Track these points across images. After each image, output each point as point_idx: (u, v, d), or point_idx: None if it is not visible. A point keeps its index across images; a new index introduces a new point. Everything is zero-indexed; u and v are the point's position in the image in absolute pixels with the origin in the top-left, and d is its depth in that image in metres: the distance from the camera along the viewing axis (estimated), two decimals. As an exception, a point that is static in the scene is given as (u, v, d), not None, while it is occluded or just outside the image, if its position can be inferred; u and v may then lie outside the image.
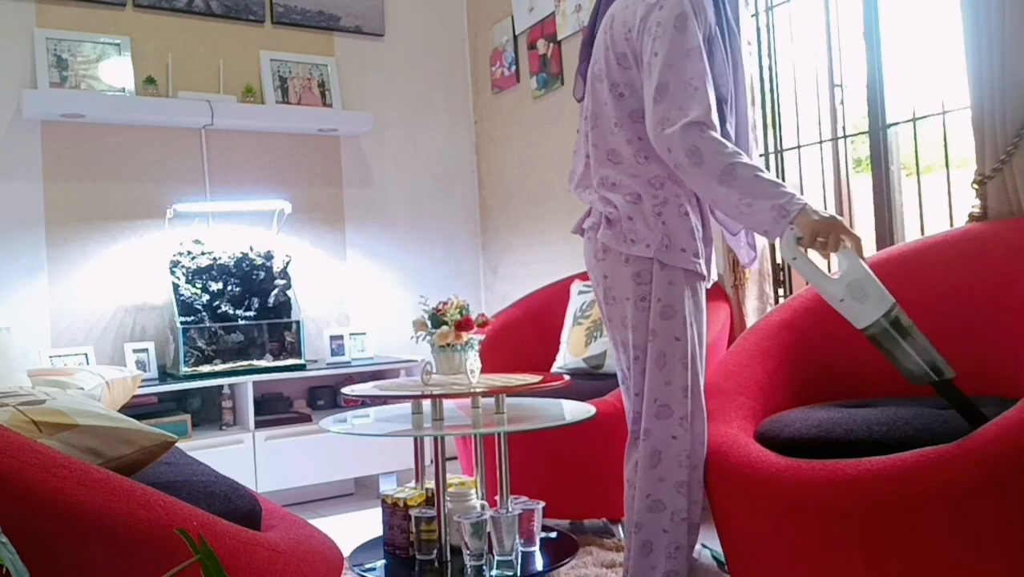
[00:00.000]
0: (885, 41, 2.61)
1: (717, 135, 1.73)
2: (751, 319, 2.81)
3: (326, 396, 3.75)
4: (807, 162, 2.99)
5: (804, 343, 2.11)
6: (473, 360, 2.30)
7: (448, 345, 2.28)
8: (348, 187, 4.10)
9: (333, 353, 3.69)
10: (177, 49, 3.73)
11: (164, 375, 3.41)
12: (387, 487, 3.09)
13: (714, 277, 2.03)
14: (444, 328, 2.27)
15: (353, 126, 3.97)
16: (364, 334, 3.76)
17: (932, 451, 1.47)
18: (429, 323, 2.31)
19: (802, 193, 2.99)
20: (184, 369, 3.28)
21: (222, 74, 3.81)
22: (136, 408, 2.98)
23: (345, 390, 2.34)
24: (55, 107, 3.36)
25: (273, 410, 3.53)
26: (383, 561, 2.19)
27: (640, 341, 1.88)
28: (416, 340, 2.33)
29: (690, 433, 1.86)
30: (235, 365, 3.35)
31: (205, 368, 3.30)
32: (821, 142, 2.91)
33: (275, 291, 3.50)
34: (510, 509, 2.13)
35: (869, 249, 2.73)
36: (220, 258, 3.49)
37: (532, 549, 2.15)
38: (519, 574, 2.03)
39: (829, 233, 1.66)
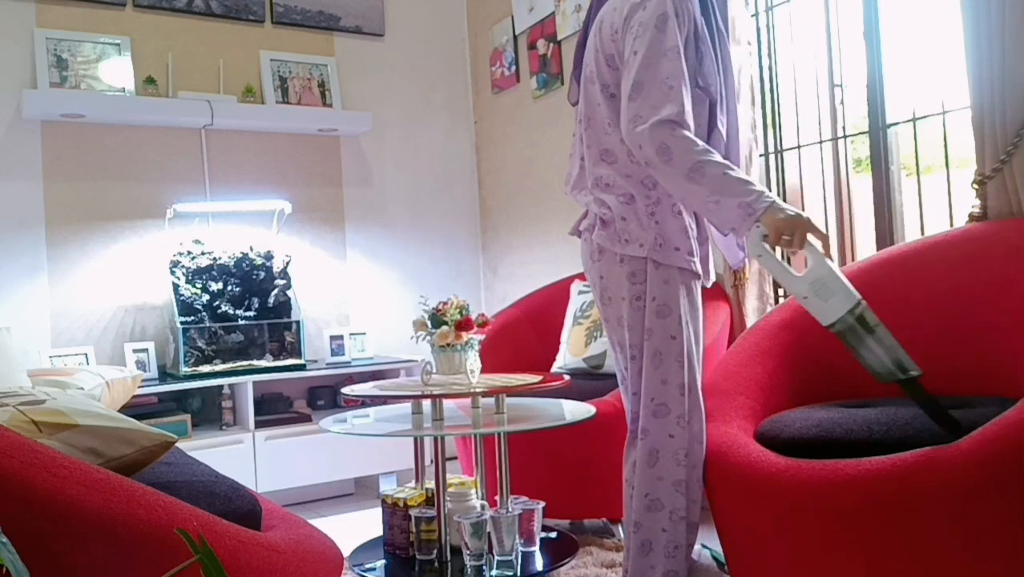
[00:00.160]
0: (885, 41, 2.61)
1: (689, 134, 1.74)
2: (751, 319, 2.81)
3: (326, 396, 3.75)
4: (807, 162, 2.99)
5: (804, 343, 2.11)
6: (473, 360, 2.30)
7: (448, 345, 2.28)
8: (348, 187, 4.10)
9: (333, 353, 3.69)
10: (177, 49, 3.73)
11: (164, 375, 3.41)
12: (387, 487, 3.09)
13: (712, 277, 2.04)
14: (444, 328, 2.27)
15: (353, 126, 3.97)
16: (364, 334, 3.76)
17: (932, 451, 1.47)
18: (429, 323, 2.31)
19: (802, 193, 3.00)
20: (184, 369, 3.28)
21: (222, 74, 3.81)
22: (136, 408, 2.98)
23: (345, 390, 2.34)
24: (55, 107, 3.36)
25: (273, 410, 3.53)
26: (383, 561, 2.19)
27: (636, 340, 1.89)
28: (416, 340, 2.33)
29: (688, 432, 1.86)
30: (235, 365, 3.35)
31: (205, 368, 3.30)
32: (821, 142, 2.91)
33: (275, 291, 3.50)
34: (510, 509, 2.13)
35: (869, 249, 2.74)
36: (220, 258, 3.49)
37: (532, 549, 2.15)
38: (519, 574, 2.03)
39: (794, 231, 1.68)
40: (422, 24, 4.35)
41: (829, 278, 1.64)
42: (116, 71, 3.56)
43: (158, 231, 3.61)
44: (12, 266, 3.37)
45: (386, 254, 4.19)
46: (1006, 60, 2.02)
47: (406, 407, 2.37)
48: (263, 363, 3.41)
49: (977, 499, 1.41)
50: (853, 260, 2.86)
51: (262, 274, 3.52)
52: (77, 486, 1.21)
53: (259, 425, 3.33)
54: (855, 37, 2.73)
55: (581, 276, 3.20)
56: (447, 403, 2.35)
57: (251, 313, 3.44)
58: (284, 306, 3.51)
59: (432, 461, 2.22)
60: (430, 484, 2.27)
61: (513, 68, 4.10)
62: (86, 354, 3.29)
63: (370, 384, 2.56)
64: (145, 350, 3.39)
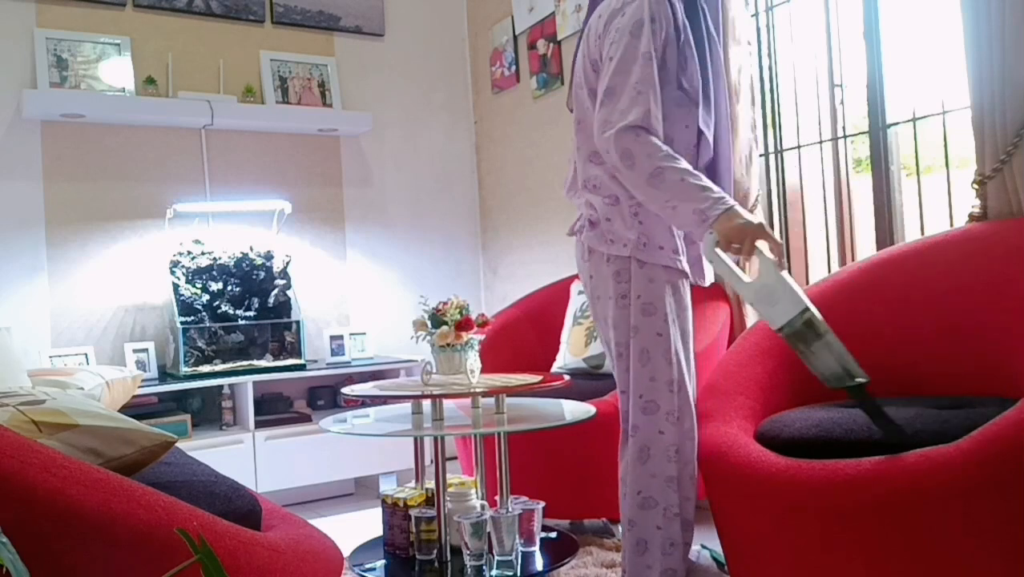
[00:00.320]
0: (885, 41, 2.61)
1: (654, 139, 1.77)
2: (751, 319, 2.81)
3: (326, 396, 3.75)
4: (807, 162, 2.99)
5: (804, 343, 2.11)
6: (473, 360, 2.30)
7: (448, 345, 2.28)
8: (348, 187, 4.10)
9: (333, 353, 3.69)
10: (177, 49, 3.73)
11: (164, 375, 3.41)
12: (387, 487, 3.09)
13: (710, 277, 2.05)
14: (444, 328, 2.27)
15: (353, 126, 3.97)
16: (364, 334, 3.76)
17: (932, 451, 1.47)
18: (429, 323, 2.31)
19: (802, 193, 3.00)
20: (184, 369, 3.28)
21: (222, 74, 3.81)
22: (136, 408, 2.98)
23: (345, 390, 2.34)
24: (55, 107, 3.36)
25: (273, 410, 3.53)
26: (383, 561, 2.19)
27: (622, 338, 1.92)
28: (416, 340, 2.33)
29: (678, 428, 1.89)
30: (235, 365, 3.36)
31: (205, 368, 3.30)
32: (821, 142, 2.91)
33: (275, 291, 3.50)
34: (510, 509, 2.13)
35: (869, 249, 2.74)
36: (220, 258, 3.49)
37: (532, 549, 2.15)
38: (519, 574, 2.03)
39: (743, 239, 1.70)
40: (422, 24, 4.35)
41: (775, 285, 1.67)
42: (116, 71, 3.56)
43: (158, 231, 3.61)
44: (12, 266, 3.37)
45: (386, 254, 4.19)
46: (1006, 60, 2.02)
47: (406, 407, 2.37)
48: (263, 363, 3.41)
49: (977, 499, 1.41)
50: (853, 260, 2.86)
51: (262, 274, 3.52)
52: (77, 486, 1.21)
53: (259, 425, 3.33)
54: (855, 37, 2.73)
55: (579, 275, 3.20)
56: (447, 403, 2.35)
57: (251, 313, 3.44)
58: (284, 306, 3.51)
59: (432, 461, 2.22)
60: (430, 484, 2.27)
61: (513, 68, 4.10)
62: (86, 354, 3.29)
63: (370, 384, 2.56)
64: (145, 350, 3.39)
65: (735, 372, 2.08)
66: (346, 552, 2.06)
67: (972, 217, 2.15)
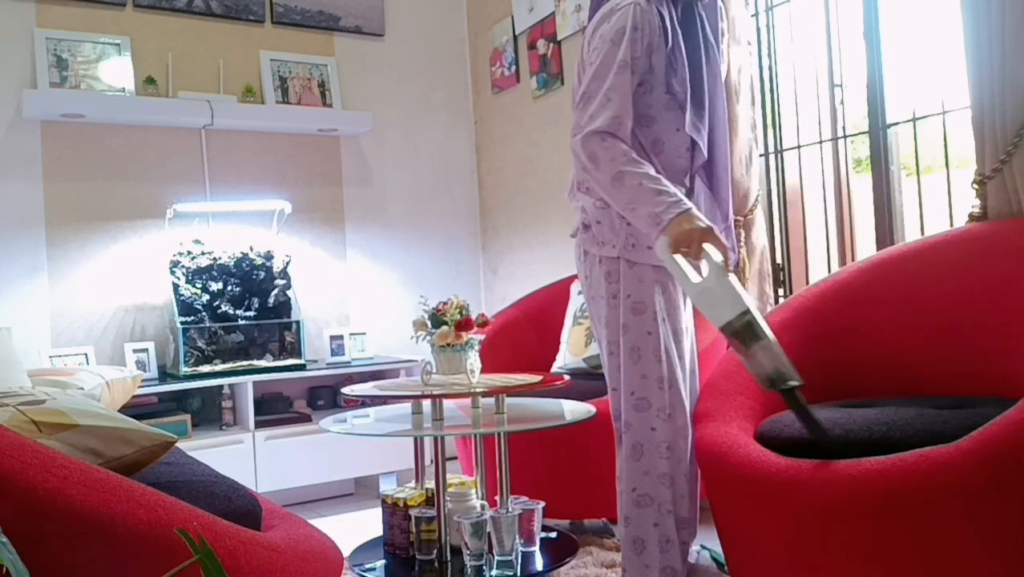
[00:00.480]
0: (885, 41, 2.61)
1: (619, 144, 1.84)
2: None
3: (326, 396, 3.75)
4: (807, 162, 2.99)
5: (804, 343, 2.11)
6: (473, 360, 2.30)
7: (448, 345, 2.28)
8: (348, 187, 4.10)
9: (333, 353, 3.69)
10: (177, 49, 3.73)
11: (164, 375, 3.41)
12: (387, 487, 3.09)
13: None
14: (444, 328, 2.27)
15: (353, 126, 3.97)
16: (364, 334, 3.76)
17: (932, 451, 1.47)
18: (429, 323, 2.31)
19: (802, 193, 3.00)
20: (184, 369, 3.28)
21: (222, 74, 3.81)
22: (136, 408, 2.98)
23: (345, 390, 2.34)
24: (55, 107, 3.36)
25: (273, 410, 3.53)
26: (383, 561, 2.19)
27: (613, 337, 1.97)
28: (416, 340, 2.33)
29: (670, 425, 1.91)
30: (235, 365, 3.36)
31: (205, 368, 3.30)
32: (821, 142, 2.91)
33: (275, 291, 3.50)
34: (510, 509, 2.13)
35: (869, 249, 2.74)
36: (220, 258, 3.49)
37: (532, 549, 2.15)
38: (519, 574, 2.03)
39: (691, 242, 1.76)
40: (422, 24, 4.35)
41: (718, 287, 1.74)
42: (116, 71, 3.56)
43: (158, 231, 3.61)
44: (12, 266, 3.37)
45: (386, 254, 4.19)
46: (1006, 60, 2.02)
47: (406, 407, 2.37)
48: (263, 363, 3.41)
49: (977, 499, 1.41)
50: (853, 260, 2.86)
51: (262, 274, 3.52)
52: (77, 486, 1.21)
53: (259, 425, 3.33)
54: (855, 37, 2.73)
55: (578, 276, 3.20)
56: (447, 403, 2.35)
57: (251, 313, 3.44)
58: (284, 306, 3.51)
59: (432, 461, 2.22)
60: (430, 484, 2.27)
61: (513, 68, 4.10)
62: (86, 354, 3.29)
63: (370, 384, 2.56)
64: (145, 350, 3.39)
65: (735, 372, 2.08)
66: (346, 552, 2.06)
67: (972, 217, 2.14)
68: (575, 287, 3.17)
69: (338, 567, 1.66)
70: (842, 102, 2.89)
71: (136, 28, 3.65)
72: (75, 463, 1.26)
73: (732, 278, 1.77)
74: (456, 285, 4.31)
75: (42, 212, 3.44)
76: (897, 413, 1.70)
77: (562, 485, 2.59)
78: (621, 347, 1.94)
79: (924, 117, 2.56)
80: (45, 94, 3.37)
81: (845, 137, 2.89)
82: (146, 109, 3.54)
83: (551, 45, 3.81)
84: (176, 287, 3.39)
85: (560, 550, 2.19)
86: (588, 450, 2.52)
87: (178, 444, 1.73)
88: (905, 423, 1.65)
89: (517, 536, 2.07)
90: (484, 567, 2.02)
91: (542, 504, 2.18)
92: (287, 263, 3.57)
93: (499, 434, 2.22)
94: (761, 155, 2.96)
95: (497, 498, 2.23)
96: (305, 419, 3.46)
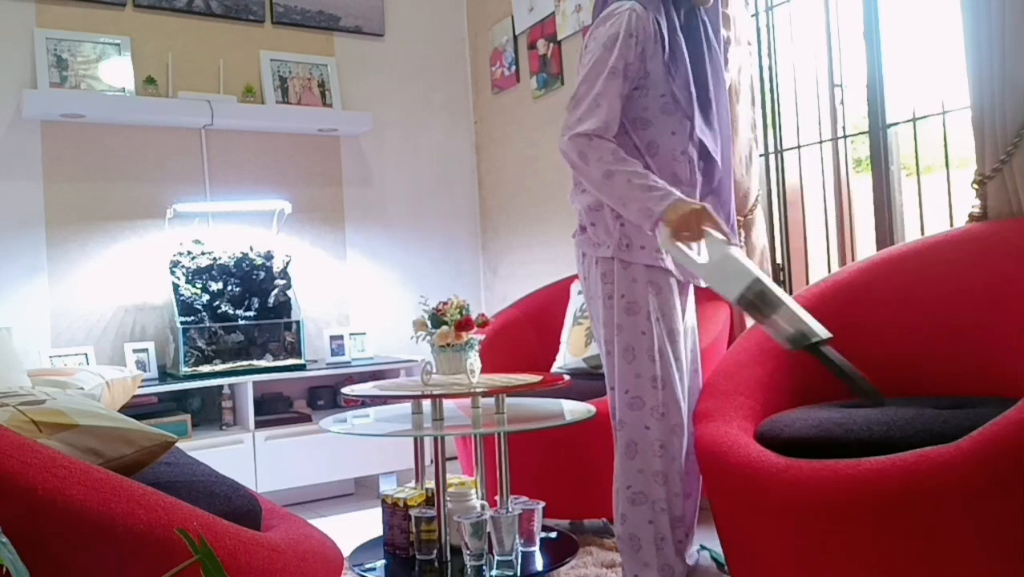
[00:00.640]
0: (885, 41, 2.61)
1: (607, 143, 1.88)
2: (751, 320, 2.81)
3: (326, 396, 3.75)
4: (807, 162, 2.99)
5: (804, 343, 2.11)
6: (473, 360, 2.30)
7: (448, 345, 2.28)
8: (348, 187, 4.10)
9: (333, 353, 3.69)
10: (177, 49, 3.73)
11: (164, 375, 3.41)
12: (387, 487, 3.09)
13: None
14: (444, 328, 2.27)
15: (353, 126, 3.97)
16: (364, 334, 3.76)
17: (932, 451, 1.47)
18: (429, 323, 2.31)
19: (802, 193, 3.00)
20: (184, 369, 3.28)
21: (222, 74, 3.81)
22: (136, 408, 2.98)
23: (345, 390, 2.34)
24: (55, 107, 3.36)
25: (273, 410, 3.53)
26: (383, 561, 2.19)
27: (609, 336, 1.99)
28: (416, 340, 2.33)
29: (664, 424, 1.93)
30: (235, 365, 3.35)
31: (205, 368, 3.30)
32: (821, 142, 2.91)
33: (275, 291, 3.50)
34: (510, 509, 2.13)
35: (869, 249, 2.74)
36: (220, 258, 3.49)
37: (532, 549, 2.15)
38: (519, 574, 2.03)
39: (690, 225, 1.81)
40: (422, 24, 4.35)
41: (725, 263, 1.79)
42: (116, 71, 3.56)
43: (158, 231, 3.61)
44: (12, 266, 3.37)
45: (386, 254, 4.18)
46: (1006, 60, 2.02)
47: (406, 407, 2.37)
48: (263, 363, 3.41)
49: (977, 499, 1.41)
50: (853, 260, 2.86)
51: (262, 274, 3.52)
52: (77, 486, 1.21)
53: (259, 425, 3.33)
54: (855, 37, 2.73)
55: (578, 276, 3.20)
56: (447, 403, 2.35)
57: (251, 313, 3.44)
58: (284, 306, 3.51)
59: (432, 461, 2.22)
60: (430, 484, 2.27)
61: (513, 68, 4.10)
62: (86, 354, 3.29)
63: (370, 384, 2.56)
64: (145, 350, 3.39)
65: (735, 372, 2.08)
66: (346, 552, 2.06)
67: (972, 217, 2.15)
68: (575, 287, 3.17)
69: (338, 567, 1.66)
70: (842, 102, 2.89)
71: (136, 28, 3.65)
72: (75, 463, 1.26)
73: (737, 251, 1.81)
74: (456, 285, 4.31)
75: (42, 212, 3.44)
76: (897, 413, 1.70)
77: (562, 485, 2.59)
78: (616, 346, 1.97)
79: (924, 117, 2.56)
80: (45, 94, 3.37)
81: (845, 137, 2.89)
82: (146, 109, 3.54)
83: (551, 45, 3.81)
84: (176, 287, 3.39)
85: (560, 550, 2.19)
86: (588, 450, 2.52)
87: (178, 444, 1.73)
88: (905, 423, 1.65)
89: (517, 536, 2.07)
90: (484, 567, 2.02)
91: (542, 504, 2.18)
92: (287, 263, 3.57)
93: (499, 434, 2.22)
94: (761, 155, 2.96)
95: (497, 498, 2.23)
96: (305, 419, 3.46)
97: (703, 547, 2.19)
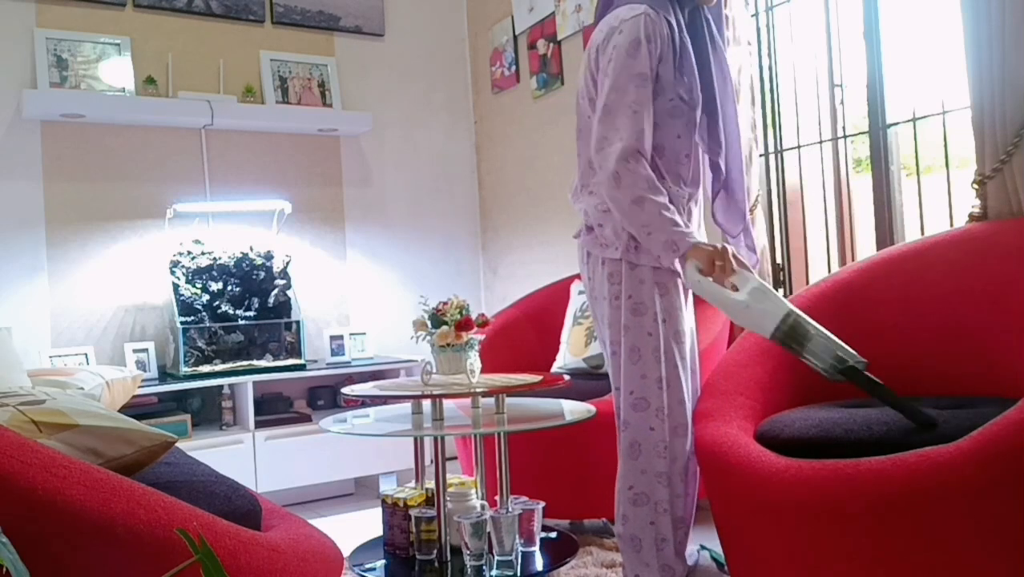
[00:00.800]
0: (885, 41, 2.61)
1: (642, 167, 1.87)
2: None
3: (326, 396, 3.75)
4: (807, 162, 2.99)
5: (804, 343, 2.11)
6: (473, 360, 2.30)
7: (448, 345, 2.28)
8: (348, 187, 4.10)
9: (333, 353, 3.69)
10: (177, 49, 3.73)
11: (164, 375, 3.41)
12: (387, 487, 3.09)
13: None
14: (444, 328, 2.27)
15: (353, 126, 3.97)
16: (364, 334, 3.76)
17: (932, 451, 1.47)
18: (429, 323, 2.31)
19: (802, 193, 3.00)
20: (184, 369, 3.28)
21: (222, 74, 3.81)
22: (136, 408, 2.98)
23: (345, 390, 2.34)
24: (55, 107, 3.36)
25: (273, 410, 3.53)
26: (383, 561, 2.19)
27: (615, 337, 1.99)
28: (416, 340, 2.33)
29: (668, 425, 1.93)
30: (235, 365, 3.35)
31: (205, 368, 3.30)
32: (821, 142, 2.91)
33: (275, 291, 3.50)
34: (510, 509, 2.13)
35: (869, 249, 2.74)
36: (220, 258, 3.49)
37: (532, 549, 2.15)
38: (519, 574, 2.03)
39: (723, 258, 1.83)
40: (422, 24, 4.35)
41: (757, 297, 1.80)
42: (116, 71, 3.56)
43: (158, 231, 3.61)
44: (12, 266, 3.37)
45: (386, 254, 4.18)
46: (1006, 60, 2.02)
47: (406, 407, 2.37)
48: (263, 363, 3.41)
49: (977, 499, 1.41)
50: (853, 260, 2.86)
51: (262, 274, 3.52)
52: (77, 486, 1.21)
53: (259, 425, 3.33)
54: (855, 37, 2.73)
55: (580, 276, 3.20)
56: (447, 403, 2.35)
57: (251, 313, 3.44)
58: (284, 306, 3.51)
59: (432, 461, 2.22)
60: (430, 484, 2.27)
61: (513, 68, 4.10)
62: (86, 354, 3.29)
63: (370, 384, 2.56)
64: (145, 350, 3.39)
65: (735, 372, 2.08)
66: (346, 552, 2.06)
67: (972, 217, 2.15)
68: (575, 287, 3.17)
69: (338, 567, 1.66)
70: (842, 102, 2.89)
71: (136, 28, 3.65)
72: (75, 463, 1.26)
73: (765, 284, 1.81)
74: (456, 285, 4.30)
75: (42, 212, 3.44)
76: (897, 413, 1.70)
77: (562, 485, 2.59)
78: (621, 347, 1.97)
79: (924, 117, 2.56)
80: (45, 94, 3.37)
81: (845, 137, 2.89)
82: (146, 109, 3.54)
83: (551, 45, 3.81)
84: (176, 287, 3.38)
85: (560, 550, 2.19)
86: (588, 450, 2.52)
87: (178, 444, 1.73)
88: (905, 423, 1.65)
89: (517, 536, 2.07)
90: (484, 567, 2.02)
91: (542, 504, 2.18)
92: (287, 263, 3.57)
93: (499, 434, 2.22)
94: (761, 155, 2.96)
95: (497, 498, 2.23)
96: (305, 419, 3.46)
97: (703, 547, 2.19)
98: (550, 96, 3.85)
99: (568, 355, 3.04)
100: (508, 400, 2.34)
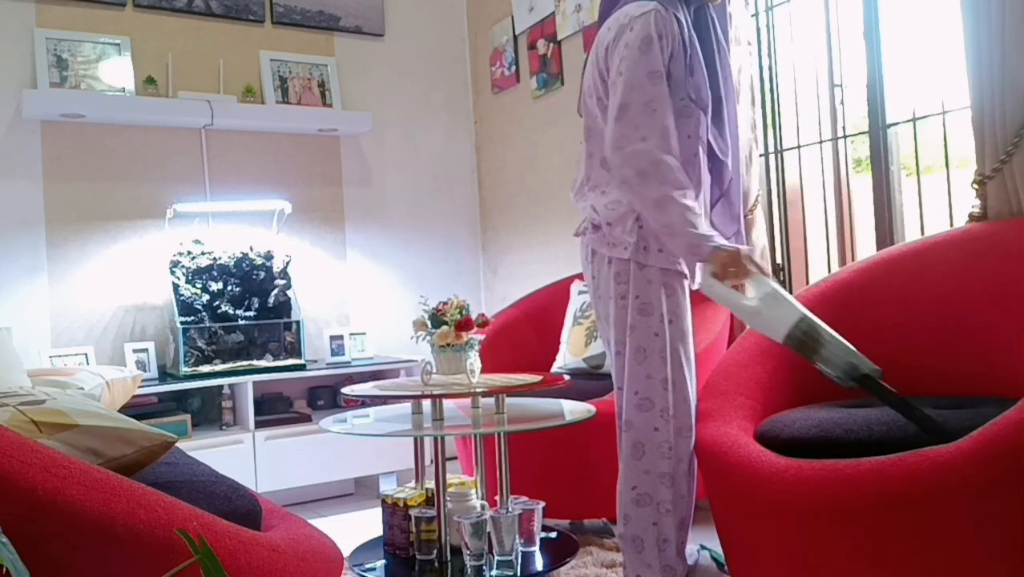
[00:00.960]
0: (885, 41, 2.61)
1: (666, 164, 1.86)
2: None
3: (326, 396, 3.75)
4: (807, 162, 2.99)
5: (804, 343, 2.11)
6: (473, 360, 2.30)
7: (448, 345, 2.28)
8: (348, 187, 4.10)
9: (333, 353, 3.69)
10: (177, 49, 3.73)
11: (164, 375, 3.41)
12: (387, 487, 3.09)
13: (697, 281, 2.08)
14: (444, 328, 2.27)
15: (353, 126, 3.97)
16: (364, 334, 3.76)
17: (932, 451, 1.47)
18: (429, 323, 2.31)
19: (802, 193, 3.00)
20: (184, 369, 3.28)
21: (222, 74, 3.81)
22: (136, 408, 2.98)
23: (345, 390, 2.34)
24: (55, 107, 3.36)
25: (273, 410, 3.53)
26: (383, 561, 2.19)
27: (620, 337, 1.98)
28: (416, 340, 2.33)
29: (673, 426, 1.92)
30: (235, 365, 3.35)
31: (205, 368, 3.30)
32: (821, 142, 2.91)
33: (275, 291, 3.50)
34: (510, 509, 2.13)
35: (869, 249, 2.74)
36: (220, 258, 3.49)
37: (532, 549, 2.15)
38: (519, 574, 2.03)
39: (738, 264, 1.82)
40: (422, 24, 4.35)
41: (770, 302, 1.78)
42: (116, 71, 3.56)
43: (158, 231, 3.61)
44: (12, 266, 3.37)
45: (386, 254, 4.18)
46: (1006, 60, 2.02)
47: (406, 407, 2.37)
48: (263, 363, 3.41)
49: (977, 499, 1.41)
50: (853, 260, 2.86)
51: (262, 274, 3.52)
52: (77, 486, 1.21)
53: (259, 425, 3.33)
54: (855, 37, 2.73)
55: (581, 276, 3.20)
56: (447, 403, 2.35)
57: (251, 313, 3.44)
58: (284, 306, 3.51)
59: (432, 461, 2.22)
60: (430, 484, 2.27)
61: (513, 68, 4.10)
62: (86, 354, 3.29)
63: (370, 384, 2.56)
64: (145, 350, 3.39)
65: (735, 372, 2.08)
66: (346, 552, 2.06)
67: (972, 217, 2.15)
68: (575, 287, 3.17)
69: (338, 567, 1.66)
70: (842, 102, 2.89)
71: (136, 28, 3.65)
72: (75, 463, 1.26)
73: (782, 290, 1.80)
74: (456, 285, 4.30)
75: (42, 212, 3.44)
76: (897, 413, 1.70)
77: (562, 485, 2.59)
78: (627, 347, 1.96)
79: (924, 117, 2.56)
80: (45, 94, 3.37)
81: (845, 137, 2.89)
82: (146, 109, 3.54)
83: (551, 45, 3.81)
84: (176, 287, 3.38)
85: (560, 550, 2.19)
86: (588, 450, 2.52)
87: (178, 444, 1.73)
88: (905, 423, 1.65)
89: (517, 536, 2.07)
90: (484, 567, 2.02)
91: (542, 504, 2.18)
92: (287, 263, 3.57)
93: (499, 434, 2.22)
94: (761, 155, 2.96)
95: (497, 498, 2.23)
96: (305, 419, 3.46)
97: (703, 547, 2.19)
98: (550, 96, 3.85)
99: (568, 355, 3.04)
100: (508, 400, 2.34)
